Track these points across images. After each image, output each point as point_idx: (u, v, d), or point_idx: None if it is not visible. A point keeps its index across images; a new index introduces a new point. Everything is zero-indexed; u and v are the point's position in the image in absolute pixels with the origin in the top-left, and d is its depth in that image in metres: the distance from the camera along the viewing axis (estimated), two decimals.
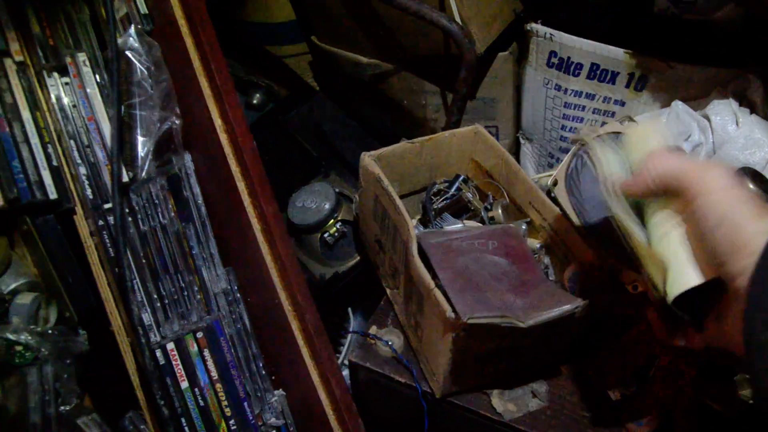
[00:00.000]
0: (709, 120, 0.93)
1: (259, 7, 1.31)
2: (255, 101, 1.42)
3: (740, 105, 0.94)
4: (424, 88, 1.20)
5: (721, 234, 0.46)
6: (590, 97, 1.07)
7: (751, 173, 0.81)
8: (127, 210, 0.84)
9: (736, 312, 0.46)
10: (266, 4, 1.29)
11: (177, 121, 0.86)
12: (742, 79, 0.95)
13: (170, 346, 0.84)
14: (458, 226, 0.82)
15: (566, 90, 1.08)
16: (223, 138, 0.87)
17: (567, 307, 0.68)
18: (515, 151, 1.29)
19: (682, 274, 0.51)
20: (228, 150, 0.87)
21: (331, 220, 1.00)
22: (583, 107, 1.09)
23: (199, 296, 0.90)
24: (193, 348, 0.87)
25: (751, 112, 0.93)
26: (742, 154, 0.89)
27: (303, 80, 1.35)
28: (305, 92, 1.29)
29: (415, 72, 1.19)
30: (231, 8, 1.34)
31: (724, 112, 0.93)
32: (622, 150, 0.60)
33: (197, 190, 0.91)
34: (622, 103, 1.06)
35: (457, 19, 0.97)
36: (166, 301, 0.86)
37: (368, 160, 0.82)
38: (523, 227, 0.83)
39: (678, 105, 0.97)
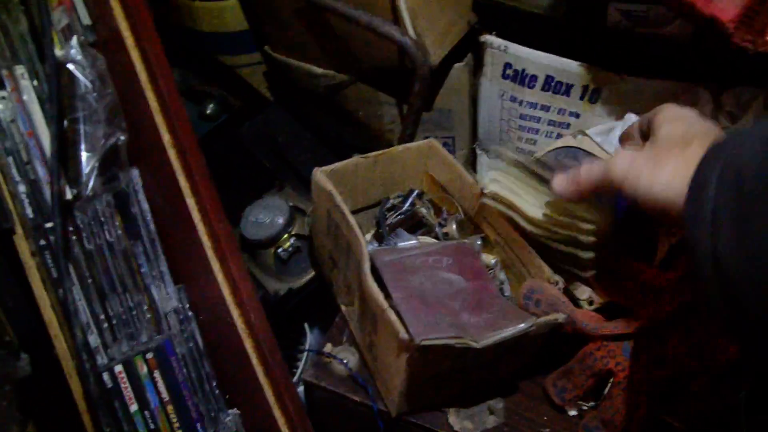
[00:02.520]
0: None
1: (212, 16, 1.28)
2: (208, 111, 1.39)
3: None
4: (380, 99, 1.19)
5: (652, 209, 0.54)
6: (545, 108, 1.08)
7: None
8: (71, 228, 0.82)
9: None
10: (219, 13, 1.26)
11: (123, 137, 0.84)
12: (692, 92, 0.96)
13: (118, 368, 0.82)
14: (412, 242, 0.81)
15: (521, 102, 1.08)
16: (172, 153, 0.84)
17: (521, 326, 0.68)
18: (472, 161, 1.29)
19: None
20: (177, 166, 0.85)
21: (285, 235, 0.99)
22: (539, 119, 1.09)
23: (148, 315, 0.87)
24: (143, 370, 0.84)
25: None
26: None
27: (257, 91, 1.33)
28: (259, 103, 1.27)
29: (370, 83, 1.18)
30: (182, 17, 1.31)
31: None
32: None
33: (146, 206, 0.88)
34: (577, 115, 1.06)
35: (411, 31, 0.96)
36: (114, 322, 0.84)
37: (320, 175, 0.81)
38: (478, 243, 0.82)
39: (631, 117, 0.97)
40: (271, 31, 1.24)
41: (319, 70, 1.19)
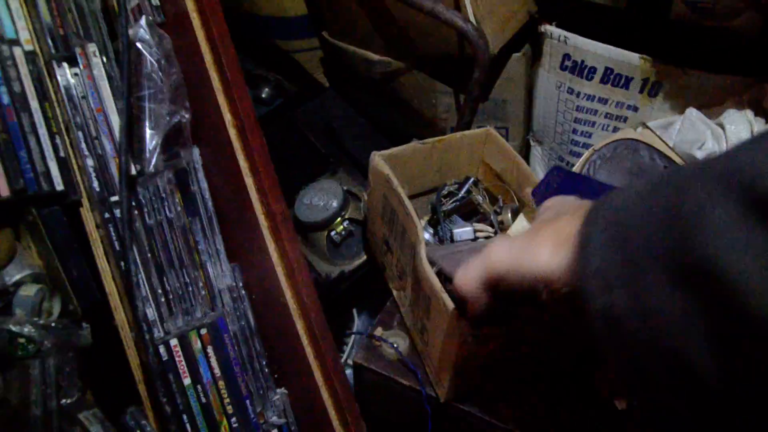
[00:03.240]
0: (723, 129, 0.92)
1: (271, 1, 1.29)
2: (264, 96, 1.41)
3: (755, 114, 0.93)
4: (435, 88, 1.19)
5: (535, 291, 0.48)
6: (603, 101, 1.06)
7: None
8: (133, 203, 0.84)
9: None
10: None
11: (186, 115, 0.85)
12: (758, 88, 0.94)
13: (173, 342, 0.84)
14: (467, 228, 0.81)
15: (579, 94, 1.07)
16: (233, 133, 0.86)
17: None
18: (525, 153, 1.28)
19: None
20: (237, 145, 0.86)
21: (339, 219, 0.99)
22: (596, 111, 1.08)
23: (203, 292, 0.89)
24: (197, 345, 0.86)
25: (766, 122, 0.92)
26: None
27: (312, 76, 1.34)
28: (315, 88, 1.28)
29: (426, 71, 1.18)
30: (242, 1, 1.33)
31: (738, 121, 0.91)
32: None
33: (205, 185, 0.90)
34: (635, 109, 1.05)
35: (472, 19, 0.96)
36: (171, 297, 0.86)
37: (378, 159, 0.81)
38: None
39: (692, 112, 0.95)
40: (330, 17, 1.25)
41: (376, 57, 1.19)
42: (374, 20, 1.13)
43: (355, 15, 1.14)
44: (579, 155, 1.12)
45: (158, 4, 0.87)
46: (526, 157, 1.27)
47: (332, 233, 0.99)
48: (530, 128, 1.23)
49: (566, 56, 1.05)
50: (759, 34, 0.92)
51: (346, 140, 1.12)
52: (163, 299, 0.85)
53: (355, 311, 1.08)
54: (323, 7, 1.24)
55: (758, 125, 0.90)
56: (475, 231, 0.81)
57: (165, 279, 0.86)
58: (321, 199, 0.99)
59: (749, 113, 0.92)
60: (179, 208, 0.88)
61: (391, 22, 1.10)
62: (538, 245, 0.48)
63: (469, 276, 0.53)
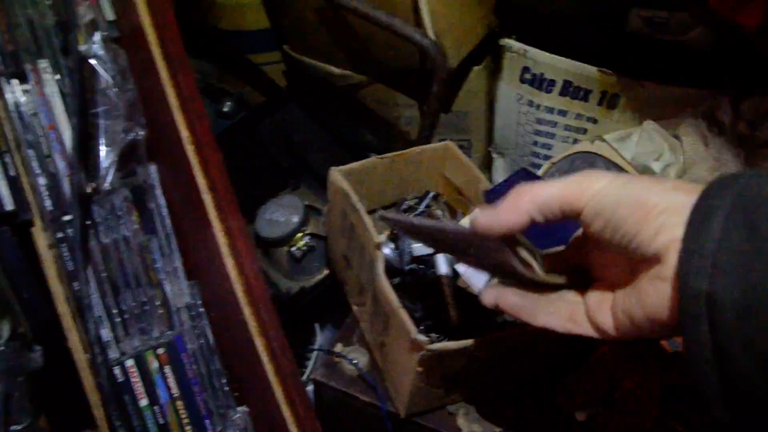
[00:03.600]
0: (680, 140, 0.94)
1: (232, 15, 1.28)
2: (225, 109, 1.40)
3: (710, 125, 0.94)
4: (397, 101, 1.19)
5: (625, 219, 0.42)
6: (562, 113, 1.07)
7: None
8: (88, 222, 0.82)
9: (652, 281, 0.42)
10: (239, 12, 1.27)
11: (141, 132, 0.84)
12: (713, 99, 0.96)
13: (129, 363, 0.82)
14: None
15: (539, 106, 1.08)
16: (190, 150, 0.85)
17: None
18: (487, 165, 1.28)
19: None
20: (194, 162, 0.85)
21: (299, 234, 0.99)
22: (556, 123, 1.09)
23: (161, 311, 0.88)
24: (154, 364, 0.84)
25: (720, 133, 0.93)
26: (712, 174, 0.89)
27: (277, 86, 1.33)
28: (278, 100, 1.27)
29: (388, 84, 1.18)
30: (204, 14, 1.32)
31: (694, 132, 0.93)
32: None
33: (162, 202, 0.89)
34: (595, 121, 1.06)
35: (431, 33, 0.96)
36: (127, 316, 0.84)
37: (337, 175, 0.81)
38: None
39: (650, 124, 0.97)
40: (291, 31, 1.25)
41: (338, 71, 1.19)
42: (335, 34, 1.13)
43: (316, 29, 1.14)
44: (540, 167, 1.13)
45: (113, 19, 0.86)
46: (489, 168, 1.28)
47: (293, 249, 0.99)
48: (492, 140, 1.23)
49: (526, 69, 1.06)
50: (711, 47, 0.94)
51: (308, 154, 1.11)
52: (119, 319, 0.84)
53: (317, 326, 1.07)
54: (284, 22, 1.24)
55: (712, 137, 0.92)
56: None
57: (121, 298, 0.84)
58: (282, 214, 0.99)
59: (703, 124, 0.94)
60: (136, 226, 0.86)
61: (351, 36, 1.10)
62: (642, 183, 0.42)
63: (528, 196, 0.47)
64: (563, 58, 1.02)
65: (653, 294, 0.42)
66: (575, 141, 1.10)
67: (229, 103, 1.40)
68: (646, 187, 0.42)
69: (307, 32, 1.18)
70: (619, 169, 0.83)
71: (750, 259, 0.35)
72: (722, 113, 0.95)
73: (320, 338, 1.08)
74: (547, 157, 1.13)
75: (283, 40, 1.28)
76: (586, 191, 0.45)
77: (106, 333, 0.82)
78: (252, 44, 1.32)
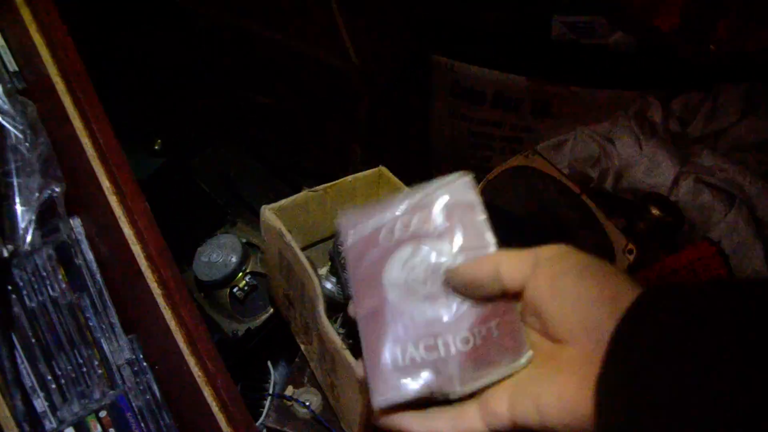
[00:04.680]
0: (613, 143, 0.94)
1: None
2: (157, 147, 1.36)
3: (642, 127, 0.95)
4: (331, 125, 1.17)
5: (560, 314, 0.41)
6: (497, 125, 1.07)
7: (656, 199, 0.82)
8: (9, 287, 0.78)
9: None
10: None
11: (57, 188, 0.80)
12: (642, 100, 0.96)
13: (68, 431, 0.78)
14: None
15: (472, 119, 1.07)
16: (113, 200, 0.81)
17: (518, 363, 0.46)
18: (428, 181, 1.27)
19: None
20: (119, 213, 0.81)
21: (240, 274, 0.95)
22: (491, 135, 1.08)
23: (100, 371, 0.83)
24: (97, 429, 0.80)
25: (653, 134, 0.94)
26: (648, 176, 0.89)
27: (208, 123, 1.30)
28: (210, 136, 1.24)
29: (320, 110, 1.16)
30: (131, 54, 1.28)
31: (627, 135, 0.93)
32: None
33: (90, 256, 0.85)
34: (529, 130, 1.06)
35: (354, 57, 0.94)
36: (63, 381, 0.80)
37: (269, 213, 0.78)
38: None
39: (582, 130, 0.97)
40: (219, 63, 1.21)
41: (269, 100, 1.17)
42: (263, 65, 1.10)
43: (242, 60, 1.11)
44: (480, 180, 1.12)
45: (16, 69, 0.82)
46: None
47: (235, 290, 0.95)
48: (431, 156, 1.22)
49: (456, 83, 1.05)
50: (636, 49, 0.94)
51: (243, 189, 1.08)
52: (54, 385, 0.79)
53: (270, 365, 1.04)
54: (211, 54, 1.21)
55: (645, 138, 0.92)
56: None
57: (54, 363, 0.80)
58: (219, 255, 0.95)
59: (635, 126, 0.94)
60: (63, 285, 0.82)
61: (279, 66, 1.07)
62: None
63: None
64: (491, 70, 1.01)
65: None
66: (513, 151, 1.09)
67: (160, 141, 1.36)
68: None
69: (232, 63, 1.15)
70: (554, 180, 0.82)
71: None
72: (653, 113, 0.95)
73: (275, 377, 1.04)
74: (487, 170, 1.12)
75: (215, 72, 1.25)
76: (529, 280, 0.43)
77: (40, 403, 0.77)
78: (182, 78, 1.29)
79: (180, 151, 1.26)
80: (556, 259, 0.43)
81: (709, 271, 0.74)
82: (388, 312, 0.50)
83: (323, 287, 0.75)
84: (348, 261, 0.54)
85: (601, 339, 0.38)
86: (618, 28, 0.78)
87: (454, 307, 0.49)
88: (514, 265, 0.44)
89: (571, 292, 0.41)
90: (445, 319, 0.49)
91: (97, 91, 0.82)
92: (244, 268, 0.96)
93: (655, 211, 0.80)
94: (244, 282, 0.95)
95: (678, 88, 0.95)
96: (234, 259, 0.94)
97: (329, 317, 0.75)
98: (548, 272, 0.42)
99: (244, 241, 0.98)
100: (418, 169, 1.26)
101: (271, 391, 1.02)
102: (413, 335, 0.49)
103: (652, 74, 0.96)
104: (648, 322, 0.36)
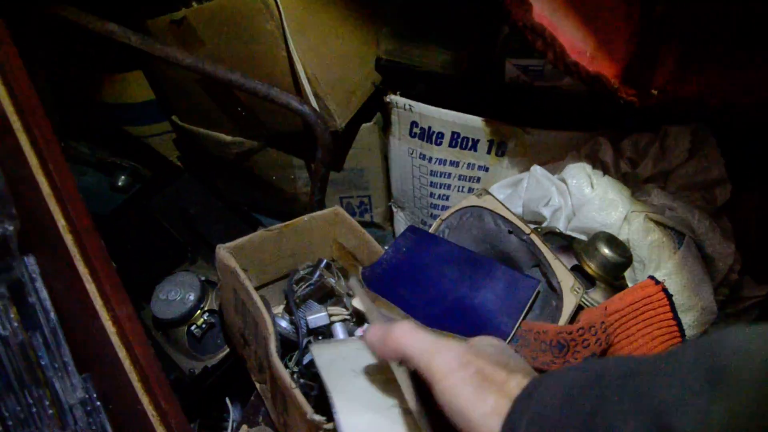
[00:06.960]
0: (566, 183, 0.96)
1: (117, 89, 1.25)
2: (120, 183, 1.36)
3: (594, 167, 0.97)
4: (292, 163, 1.18)
5: (456, 422, 0.46)
6: (454, 164, 1.09)
7: (606, 238, 0.84)
8: None
9: None
10: (123, 85, 1.24)
11: (10, 227, 0.80)
12: (593, 141, 0.99)
13: None
14: (322, 314, 0.79)
15: (430, 159, 1.09)
16: (68, 239, 0.81)
17: None
18: (389, 218, 1.28)
19: None
20: (74, 251, 0.81)
21: (198, 312, 0.95)
22: (449, 174, 1.10)
23: (51, 411, 0.82)
24: None
25: (604, 173, 0.96)
26: (599, 215, 0.91)
27: (168, 160, 1.31)
28: (171, 172, 1.24)
29: (281, 147, 1.17)
30: (89, 90, 1.28)
31: (579, 174, 0.95)
32: None
33: (44, 294, 0.84)
34: (486, 169, 1.08)
35: (312, 98, 0.96)
36: (10, 423, 0.78)
37: (224, 252, 0.79)
38: None
39: (537, 170, 0.99)
40: (177, 102, 1.22)
41: (228, 138, 1.18)
42: (220, 103, 1.11)
43: (202, 99, 1.13)
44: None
45: None
46: (392, 222, 1.28)
47: (192, 327, 0.95)
48: (391, 195, 1.24)
49: (414, 123, 1.07)
50: (586, 91, 0.97)
51: (203, 227, 1.09)
52: (0, 428, 0.78)
53: (228, 402, 1.03)
54: (169, 92, 1.22)
55: (597, 178, 0.94)
56: (329, 315, 0.80)
57: (1, 404, 0.78)
58: (178, 293, 0.95)
59: (587, 166, 0.97)
60: (15, 324, 0.81)
61: (237, 103, 1.09)
62: (484, 398, 0.45)
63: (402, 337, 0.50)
64: (448, 111, 1.04)
65: None
66: (470, 189, 1.11)
67: (123, 177, 1.36)
68: (471, 399, 0.45)
69: (193, 102, 1.16)
70: (506, 221, 0.84)
71: None
72: (604, 154, 0.98)
73: (233, 414, 1.03)
74: (445, 207, 1.14)
75: (170, 110, 1.26)
76: (435, 374, 0.48)
77: None
78: (139, 116, 1.29)
79: (141, 188, 1.26)
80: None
81: (653, 310, 0.76)
82: None
83: (277, 326, 0.75)
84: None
85: None
86: (564, 74, 0.81)
87: None
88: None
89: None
90: None
91: (58, 129, 0.83)
92: (202, 306, 0.96)
93: (604, 250, 0.82)
94: (202, 320, 0.95)
95: (627, 129, 0.98)
96: (192, 297, 0.94)
97: (283, 356, 0.75)
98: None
99: (203, 278, 0.98)
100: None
101: (229, 430, 1.01)
102: None
103: (603, 116, 0.99)
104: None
